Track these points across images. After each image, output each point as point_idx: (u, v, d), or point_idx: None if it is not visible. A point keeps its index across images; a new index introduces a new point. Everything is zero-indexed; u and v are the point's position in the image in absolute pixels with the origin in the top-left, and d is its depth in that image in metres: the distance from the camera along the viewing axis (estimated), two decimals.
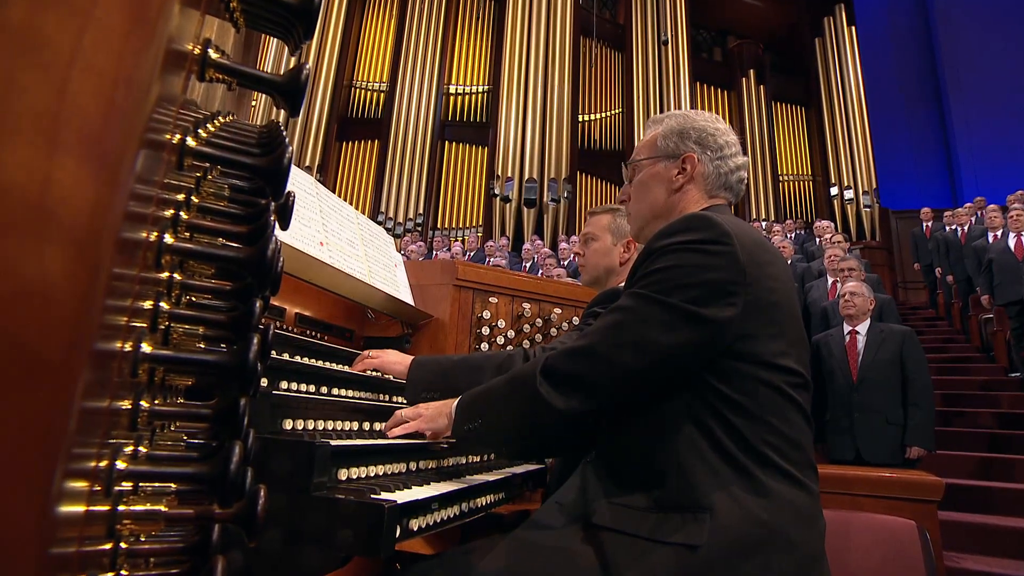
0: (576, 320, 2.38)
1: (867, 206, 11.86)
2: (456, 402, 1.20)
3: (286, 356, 1.35)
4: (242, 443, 0.40)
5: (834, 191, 12.34)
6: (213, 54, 0.44)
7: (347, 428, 1.29)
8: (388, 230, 10.85)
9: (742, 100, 13.38)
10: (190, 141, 0.42)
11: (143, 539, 0.38)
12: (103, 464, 0.34)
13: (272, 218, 0.45)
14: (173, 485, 0.39)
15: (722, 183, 1.25)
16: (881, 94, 13.41)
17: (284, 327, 1.59)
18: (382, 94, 12.73)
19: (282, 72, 0.46)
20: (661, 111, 12.83)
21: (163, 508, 0.37)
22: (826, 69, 13.26)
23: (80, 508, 0.31)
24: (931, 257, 8.53)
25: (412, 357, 1.57)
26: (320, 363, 1.45)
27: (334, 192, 2.32)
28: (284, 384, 1.23)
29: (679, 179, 1.24)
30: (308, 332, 1.69)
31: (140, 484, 0.38)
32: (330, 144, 12.31)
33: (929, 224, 9.17)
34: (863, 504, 2.19)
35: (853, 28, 13.22)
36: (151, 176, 0.37)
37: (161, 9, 0.35)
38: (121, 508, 0.36)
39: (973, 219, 8.17)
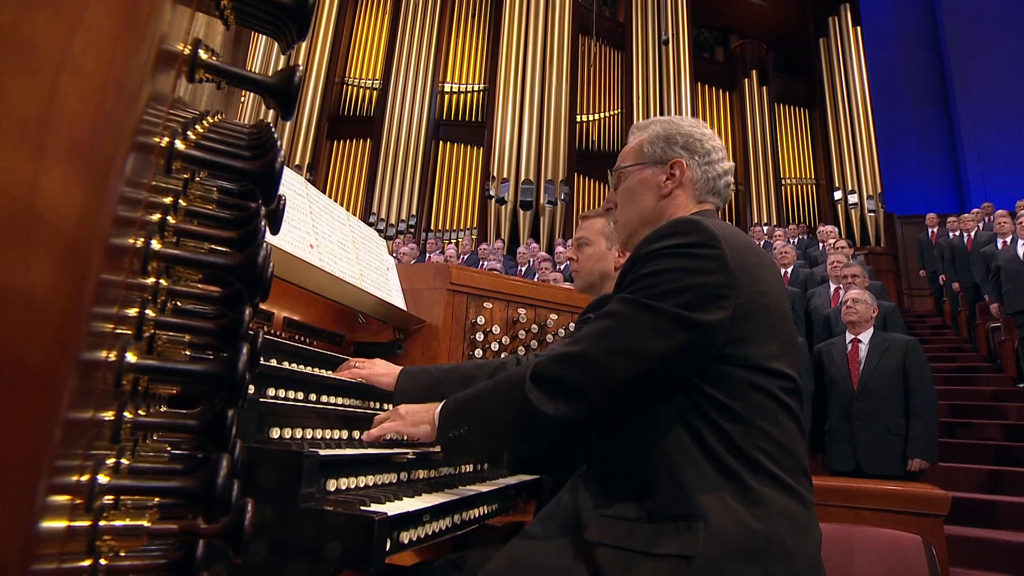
0: (572, 326, 2.36)
1: (872, 211, 11.74)
2: (439, 408, 1.17)
3: (274, 362, 1.32)
4: (229, 455, 0.39)
5: (838, 195, 12.22)
6: (203, 54, 0.43)
7: (336, 437, 1.25)
8: (380, 232, 10.68)
9: (744, 101, 13.26)
10: (179, 144, 0.41)
11: (124, 555, 0.37)
12: (85, 478, 0.33)
13: (262, 223, 0.44)
14: (156, 499, 0.38)
15: (710, 188, 1.24)
16: (886, 96, 13.28)
17: (272, 332, 1.57)
18: (375, 92, 12.45)
19: (272, 70, 0.45)
20: (662, 112, 12.81)
21: (146, 523, 0.36)
22: (830, 70, 13.13)
23: (62, 524, 0.31)
24: (937, 264, 8.43)
25: (400, 368, 1.55)
26: (309, 369, 1.42)
27: (324, 192, 2.30)
28: (272, 391, 1.20)
29: (668, 185, 1.23)
30: (297, 337, 1.66)
31: (122, 498, 0.37)
32: (321, 143, 12.03)
33: (935, 230, 9.05)
34: (867, 518, 2.17)
35: (858, 28, 13.11)
36: (139, 180, 0.36)
37: (152, 10, 0.34)
38: (102, 523, 0.35)
39: (980, 225, 8.08)
